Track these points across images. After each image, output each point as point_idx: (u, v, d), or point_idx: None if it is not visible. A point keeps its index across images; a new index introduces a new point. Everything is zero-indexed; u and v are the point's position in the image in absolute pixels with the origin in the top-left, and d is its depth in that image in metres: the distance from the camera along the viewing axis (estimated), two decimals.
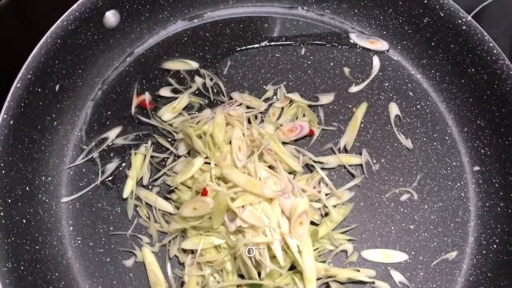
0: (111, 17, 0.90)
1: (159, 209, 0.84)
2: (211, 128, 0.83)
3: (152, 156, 0.88)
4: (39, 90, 0.82)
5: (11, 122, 0.77)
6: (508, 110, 0.85)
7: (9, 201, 0.75)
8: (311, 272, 0.77)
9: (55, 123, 0.86)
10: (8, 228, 0.73)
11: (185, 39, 0.98)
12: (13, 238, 0.74)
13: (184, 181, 0.83)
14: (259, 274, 0.76)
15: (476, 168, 0.90)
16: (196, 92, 0.93)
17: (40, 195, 0.82)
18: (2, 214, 0.73)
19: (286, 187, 0.78)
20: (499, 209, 0.86)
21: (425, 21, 0.94)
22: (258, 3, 1.01)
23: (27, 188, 0.80)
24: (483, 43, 0.87)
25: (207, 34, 0.98)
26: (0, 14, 0.94)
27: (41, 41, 0.81)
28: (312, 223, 0.83)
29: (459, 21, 0.89)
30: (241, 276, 0.78)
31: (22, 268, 0.73)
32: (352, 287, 0.82)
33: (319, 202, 0.85)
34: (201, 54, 0.97)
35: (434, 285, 0.83)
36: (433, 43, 0.95)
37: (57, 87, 0.85)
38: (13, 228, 0.74)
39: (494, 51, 0.86)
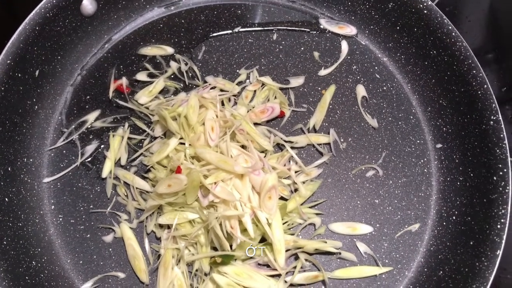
0: (88, 4, 0.93)
1: (136, 188, 0.88)
2: (185, 110, 0.87)
3: (129, 138, 0.92)
4: (19, 75, 0.85)
5: None
6: (466, 90, 0.90)
7: None
8: (280, 243, 0.82)
9: (36, 107, 0.90)
10: None
11: (161, 25, 1.02)
12: None
13: (160, 161, 0.88)
14: (231, 246, 0.81)
15: (439, 145, 0.95)
16: (172, 76, 0.97)
17: (22, 176, 0.86)
18: None
19: (256, 164, 0.83)
20: (458, 183, 0.91)
21: (390, 6, 0.98)
22: None
23: (9, 169, 0.84)
24: (442, 26, 0.92)
25: (183, 21, 1.02)
26: None
27: (20, 28, 0.84)
28: (282, 198, 0.88)
29: (421, 6, 0.94)
30: (215, 248, 0.83)
31: (5, 243, 0.77)
32: (320, 258, 0.87)
33: (289, 178, 0.90)
34: (176, 40, 1.00)
35: (397, 255, 0.89)
36: (398, 27, 0.99)
37: (37, 73, 0.89)
38: None
39: (453, 34, 0.91)
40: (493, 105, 0.87)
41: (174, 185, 0.81)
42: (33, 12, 0.86)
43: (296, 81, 0.99)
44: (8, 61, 0.83)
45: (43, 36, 0.88)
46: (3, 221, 0.79)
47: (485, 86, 0.88)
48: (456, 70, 0.92)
